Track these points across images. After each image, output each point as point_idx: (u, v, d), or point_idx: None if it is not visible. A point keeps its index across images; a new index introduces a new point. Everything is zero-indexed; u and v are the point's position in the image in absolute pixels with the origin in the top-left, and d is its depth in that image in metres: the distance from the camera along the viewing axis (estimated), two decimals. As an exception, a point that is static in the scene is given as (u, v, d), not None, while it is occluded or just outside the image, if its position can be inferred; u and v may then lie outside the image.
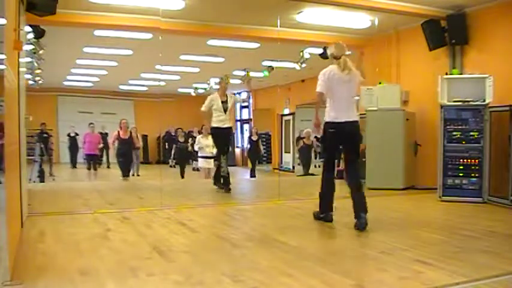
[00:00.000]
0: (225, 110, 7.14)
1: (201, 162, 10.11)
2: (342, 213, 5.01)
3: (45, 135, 11.91)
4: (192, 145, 10.63)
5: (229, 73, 8.14)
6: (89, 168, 11.66)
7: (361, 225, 4.54)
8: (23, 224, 4.64)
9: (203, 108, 7.20)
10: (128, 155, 10.09)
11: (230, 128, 7.44)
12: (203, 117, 7.34)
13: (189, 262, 3.45)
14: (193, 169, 12.17)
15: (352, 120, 4.78)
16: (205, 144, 9.66)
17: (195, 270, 3.20)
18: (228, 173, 7.23)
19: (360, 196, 4.70)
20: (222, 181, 7.29)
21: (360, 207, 4.63)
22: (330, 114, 4.79)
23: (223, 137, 7.26)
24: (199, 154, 10.07)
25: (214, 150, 8.20)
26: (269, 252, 3.74)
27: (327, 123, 4.82)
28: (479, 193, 6.43)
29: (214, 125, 7.19)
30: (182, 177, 11.44)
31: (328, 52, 4.97)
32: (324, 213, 4.95)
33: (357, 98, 8.88)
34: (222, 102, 7.14)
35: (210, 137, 9.29)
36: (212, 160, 9.69)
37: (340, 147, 4.99)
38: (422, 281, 2.94)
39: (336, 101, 4.76)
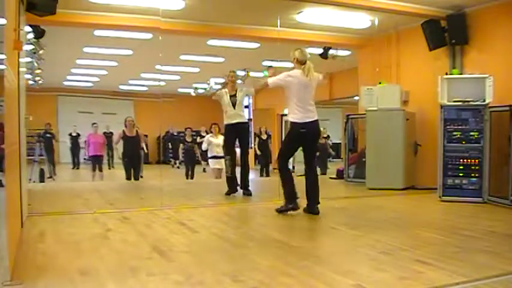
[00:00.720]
0: (234, 104, 6.76)
1: (211, 163, 9.81)
2: (342, 213, 5.01)
3: (48, 135, 11.87)
4: (200, 144, 10.34)
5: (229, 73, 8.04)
6: (94, 170, 11.25)
7: (315, 211, 5.18)
8: (23, 224, 4.64)
9: (213, 97, 6.91)
10: (134, 155, 9.16)
11: (242, 123, 6.85)
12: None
13: (189, 262, 3.45)
14: (204, 170, 12.01)
15: (315, 119, 5.24)
16: (215, 144, 9.42)
17: (195, 270, 3.20)
18: (232, 174, 6.93)
19: (315, 188, 5.25)
20: (227, 182, 7.03)
21: (314, 197, 5.24)
22: (295, 116, 5.19)
23: (233, 135, 6.85)
24: (209, 155, 9.75)
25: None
26: (269, 252, 3.74)
27: (295, 123, 5.19)
28: (479, 193, 6.42)
29: (225, 122, 6.88)
30: (187, 178, 11.20)
31: (292, 56, 5.29)
32: (292, 203, 5.20)
33: (356, 98, 8.96)
34: (231, 96, 6.79)
35: (219, 137, 9.10)
36: (223, 160, 9.45)
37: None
38: (422, 281, 2.94)
39: (298, 103, 5.17)
